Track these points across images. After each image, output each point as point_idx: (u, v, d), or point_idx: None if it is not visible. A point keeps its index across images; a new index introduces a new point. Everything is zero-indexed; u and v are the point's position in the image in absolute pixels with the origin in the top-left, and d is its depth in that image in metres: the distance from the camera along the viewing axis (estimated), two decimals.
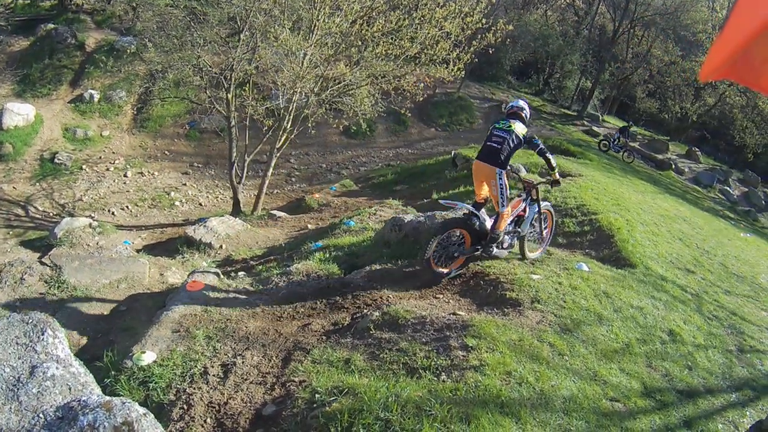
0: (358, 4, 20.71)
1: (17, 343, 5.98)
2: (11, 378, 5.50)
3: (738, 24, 1.51)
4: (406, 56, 20.97)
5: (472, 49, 20.63)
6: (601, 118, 45.97)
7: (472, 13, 20.20)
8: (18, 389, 5.36)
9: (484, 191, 10.27)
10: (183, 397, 7.15)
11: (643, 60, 47.75)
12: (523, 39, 43.95)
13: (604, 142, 35.25)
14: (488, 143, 10.02)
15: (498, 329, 7.43)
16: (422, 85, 22.64)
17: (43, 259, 14.31)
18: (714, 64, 1.60)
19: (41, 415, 4.93)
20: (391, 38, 20.52)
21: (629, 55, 47.55)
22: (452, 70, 20.78)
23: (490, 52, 23.81)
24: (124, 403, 4.82)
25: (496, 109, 38.83)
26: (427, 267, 9.66)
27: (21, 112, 31.69)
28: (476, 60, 21.44)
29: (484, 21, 20.50)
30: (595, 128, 41.79)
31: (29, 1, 47.15)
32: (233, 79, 23.83)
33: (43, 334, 6.11)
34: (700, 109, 48.05)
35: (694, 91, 47.67)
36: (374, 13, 21.09)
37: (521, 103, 10.77)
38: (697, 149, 44.20)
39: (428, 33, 20.22)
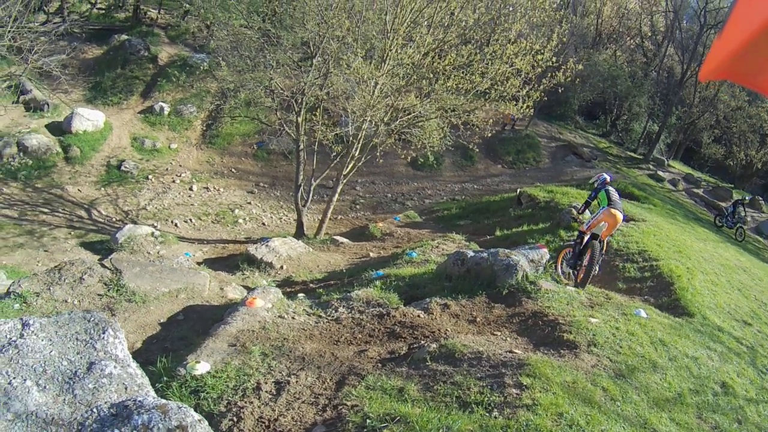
0: (431, 37, 20.83)
1: (77, 339, 6.19)
2: (68, 371, 5.68)
3: (738, 24, 1.54)
4: (477, 91, 20.95)
5: (541, 87, 20.54)
6: (666, 162, 45.16)
7: (542, 51, 20.14)
8: (74, 383, 5.53)
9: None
10: (233, 409, 7.24)
11: (710, 104, 46.65)
12: (592, 79, 43.42)
13: (718, 218, 34.19)
14: (617, 201, 13.60)
15: (553, 370, 7.41)
16: (491, 120, 22.62)
17: (103, 262, 14.55)
18: (714, 64, 1.65)
19: (95, 410, 5.00)
20: (462, 72, 20.53)
21: (696, 99, 46.37)
22: (521, 107, 20.72)
23: (560, 90, 23.71)
24: (180, 407, 4.91)
25: (562, 149, 38.46)
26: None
27: (91, 118, 32.46)
28: (545, 98, 21.30)
29: (554, 59, 20.42)
30: (660, 173, 40.89)
31: (104, 11, 48.03)
32: (304, 103, 24.02)
33: (104, 333, 6.31)
34: (765, 157, 47.12)
35: (760, 137, 46.70)
36: (446, 47, 21.19)
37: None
38: (761, 198, 43.08)
39: (499, 69, 20.16)
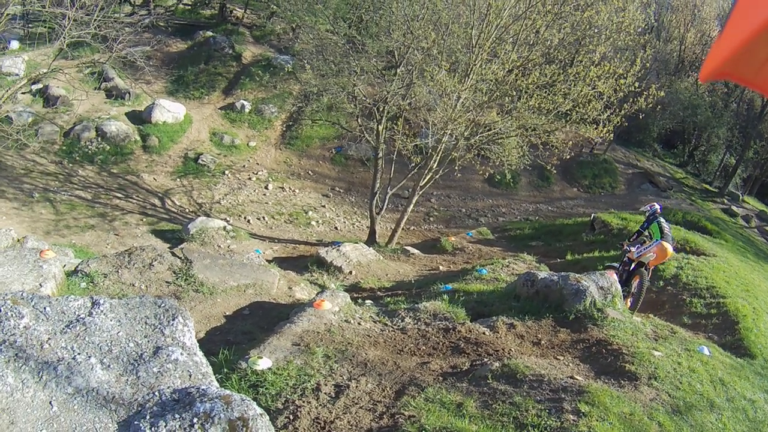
0: (516, 54, 20.78)
1: (146, 323, 6.34)
2: (134, 353, 5.82)
3: (738, 24, 1.54)
4: (558, 112, 20.86)
5: (622, 111, 20.34)
6: (741, 197, 44.12)
7: (625, 75, 19.89)
8: (138, 365, 5.65)
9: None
10: (291, 407, 7.34)
11: None
12: (672, 107, 42.50)
13: None
14: (669, 234, 14.25)
15: (612, 400, 7.40)
16: (571, 143, 22.46)
17: (174, 251, 14.97)
18: (714, 65, 1.65)
19: (156, 394, 5.16)
20: (545, 92, 20.44)
21: None
22: (601, 131, 20.56)
23: (640, 117, 23.49)
24: (243, 399, 5.01)
25: (639, 177, 37.84)
26: None
27: (171, 110, 33.31)
28: (626, 123, 21.07)
29: (636, 84, 20.21)
30: (734, 208, 39.59)
31: (190, 6, 48.85)
32: (386, 112, 24.15)
33: (173, 320, 6.45)
34: None
35: None
36: (530, 65, 21.12)
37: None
38: None
39: (581, 91, 20.06)
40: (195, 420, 4.65)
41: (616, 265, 15.40)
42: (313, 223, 28.64)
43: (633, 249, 14.45)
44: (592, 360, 9.19)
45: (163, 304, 6.71)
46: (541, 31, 20.71)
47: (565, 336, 10.05)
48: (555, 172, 29.42)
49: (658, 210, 14.92)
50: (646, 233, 14.84)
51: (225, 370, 8.20)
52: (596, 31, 20.95)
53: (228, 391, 5.13)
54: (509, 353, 9.24)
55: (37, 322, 5.87)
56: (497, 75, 20.59)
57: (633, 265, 14.51)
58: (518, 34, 20.68)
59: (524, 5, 20.26)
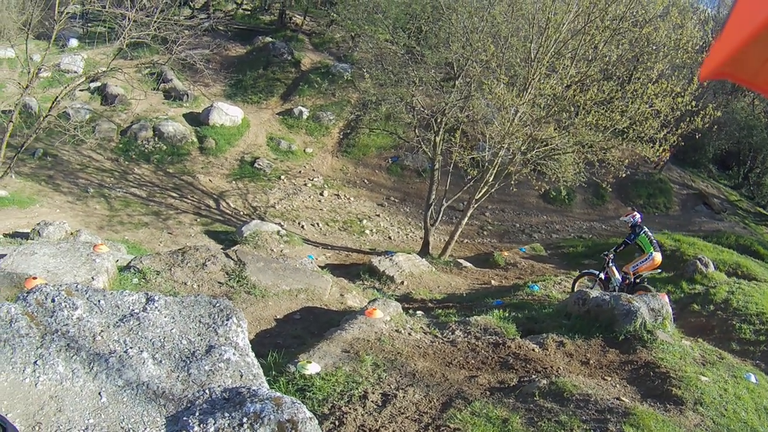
0: (574, 69, 20.72)
1: (200, 322, 6.49)
2: (186, 350, 5.96)
3: (738, 24, 1.53)
4: (615, 129, 20.75)
5: (679, 131, 20.21)
6: None
7: (683, 94, 19.71)
8: (190, 362, 5.78)
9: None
10: (337, 413, 7.40)
11: None
12: (729, 127, 41.49)
13: None
14: (656, 243, 15.31)
15: (657, 423, 7.33)
16: (627, 160, 22.26)
17: (228, 252, 15.08)
18: (714, 64, 1.63)
19: (207, 391, 5.26)
20: (603, 109, 20.32)
21: None
22: (657, 150, 20.38)
23: (696, 136, 23.25)
24: (293, 402, 5.06)
25: (693, 198, 37.06)
26: None
27: (229, 113, 33.79)
28: (682, 143, 20.85)
29: (693, 103, 20.01)
30: None
31: (249, 12, 49.48)
32: (443, 123, 24.19)
33: (227, 320, 6.58)
34: None
35: None
36: (588, 81, 21.03)
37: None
38: None
39: (639, 108, 19.88)
40: (245, 420, 4.71)
41: (594, 271, 16.51)
42: (367, 231, 28.73)
43: (631, 270, 15.20)
44: (639, 382, 9.13)
45: (218, 304, 6.86)
46: (599, 47, 20.62)
47: (614, 356, 10.01)
48: (610, 190, 29.26)
49: (639, 219, 15.38)
50: (636, 245, 15.37)
51: (273, 372, 8.28)
52: (654, 48, 20.77)
53: (279, 393, 5.19)
54: (557, 371, 9.23)
55: (90, 314, 6.03)
56: (555, 90, 20.50)
57: (633, 279, 15.25)
58: (576, 49, 20.61)
59: (583, 20, 20.19)
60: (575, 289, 15.85)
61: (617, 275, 15.59)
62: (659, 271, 16.17)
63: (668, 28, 20.14)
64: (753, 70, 1.54)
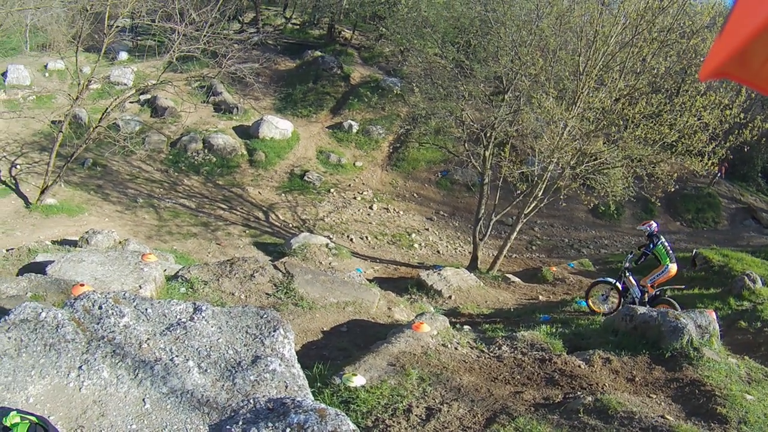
0: (623, 82, 20.62)
1: (247, 332, 6.52)
2: (232, 360, 5.99)
3: (738, 24, 1.52)
4: (664, 143, 20.57)
5: (728, 144, 19.95)
6: None
7: (731, 106, 19.48)
8: (236, 372, 5.81)
9: None
10: (380, 426, 7.41)
11: None
12: None
13: None
14: (673, 254, 15.31)
15: None
16: (675, 174, 22.07)
17: (276, 264, 15.20)
18: (714, 64, 1.62)
19: (251, 401, 5.23)
20: (651, 122, 20.16)
21: None
22: (706, 163, 20.14)
23: (745, 149, 22.96)
24: (338, 414, 5.01)
25: (742, 212, 36.51)
26: None
27: (279, 126, 34.20)
28: (731, 156, 20.56)
29: (741, 115, 19.77)
30: None
31: (298, 26, 49.98)
32: (493, 137, 24.19)
33: (274, 331, 6.61)
34: None
35: None
36: (637, 94, 20.89)
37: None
38: None
39: (687, 121, 19.71)
40: (288, 430, 4.69)
41: (610, 279, 16.52)
42: (416, 245, 28.77)
43: (650, 284, 15.30)
44: (684, 400, 9.01)
45: (265, 315, 6.89)
46: (647, 59, 20.51)
47: (660, 374, 9.89)
48: (659, 204, 28.93)
49: (656, 228, 15.46)
50: (653, 255, 15.31)
51: (318, 384, 8.30)
52: (702, 59, 20.61)
53: (323, 405, 5.13)
54: (603, 388, 9.16)
55: (137, 322, 6.13)
56: (604, 103, 20.42)
57: (654, 293, 15.35)
58: (625, 62, 20.52)
59: (630, 33, 20.12)
60: (589, 299, 16.09)
61: (636, 287, 15.59)
62: (683, 287, 16.65)
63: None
64: (754, 70, 1.54)
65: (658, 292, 15.38)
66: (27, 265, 13.61)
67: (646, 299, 15.18)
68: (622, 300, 15.53)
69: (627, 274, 15.79)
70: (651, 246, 15.18)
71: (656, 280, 15.23)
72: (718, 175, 38.19)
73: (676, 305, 14.49)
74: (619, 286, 15.72)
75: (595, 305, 15.92)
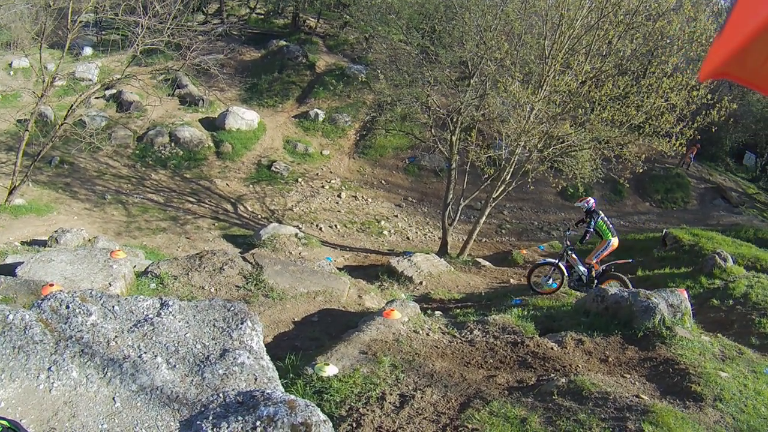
0: (589, 65, 20.66)
1: (214, 326, 6.43)
2: (200, 354, 5.91)
3: (738, 24, 1.52)
4: (631, 124, 20.68)
5: (695, 124, 20.04)
6: None
7: (698, 87, 19.59)
8: (204, 366, 5.74)
9: None
10: (354, 415, 7.37)
11: None
12: (745, 119, 41.43)
13: None
14: (613, 228, 15.46)
15: (676, 421, 7.25)
16: (644, 156, 22.20)
17: (245, 256, 15.15)
18: (714, 64, 1.62)
19: (221, 395, 5.09)
20: (618, 104, 20.24)
21: None
22: (674, 144, 20.24)
23: (712, 130, 23.14)
24: (308, 405, 4.92)
25: (711, 192, 37.12)
26: None
27: (245, 117, 34.19)
28: (699, 137, 20.68)
29: (709, 96, 19.89)
30: None
31: (263, 16, 49.88)
32: (459, 122, 24.20)
33: (242, 324, 6.51)
34: None
35: None
36: (603, 76, 20.95)
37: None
38: None
39: (654, 103, 19.83)
40: (258, 423, 4.62)
41: (552, 260, 16.52)
42: (385, 232, 28.78)
43: (595, 261, 15.42)
44: (658, 379, 9.05)
45: (232, 308, 6.79)
46: (613, 42, 20.60)
47: (633, 354, 9.92)
48: (628, 185, 29.07)
49: (594, 204, 15.51)
50: (594, 232, 15.43)
51: (291, 375, 8.25)
52: (668, 41, 20.69)
53: (293, 396, 5.05)
54: (576, 369, 9.18)
55: (105, 320, 6.00)
56: (570, 86, 20.49)
57: (601, 269, 15.51)
58: (591, 45, 20.61)
59: (596, 15, 20.20)
60: (531, 281, 16.21)
61: (580, 264, 15.79)
62: (630, 261, 16.74)
63: (682, 21, 20.07)
64: (753, 70, 1.54)
65: (605, 268, 15.56)
66: None
67: (594, 276, 15.45)
68: (567, 279, 15.80)
69: (570, 252, 16.02)
70: (592, 223, 15.26)
71: (600, 255, 15.43)
72: (692, 157, 38.53)
73: (626, 279, 15.05)
74: (562, 266, 15.86)
75: (538, 287, 16.03)
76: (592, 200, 15.61)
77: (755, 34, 1.43)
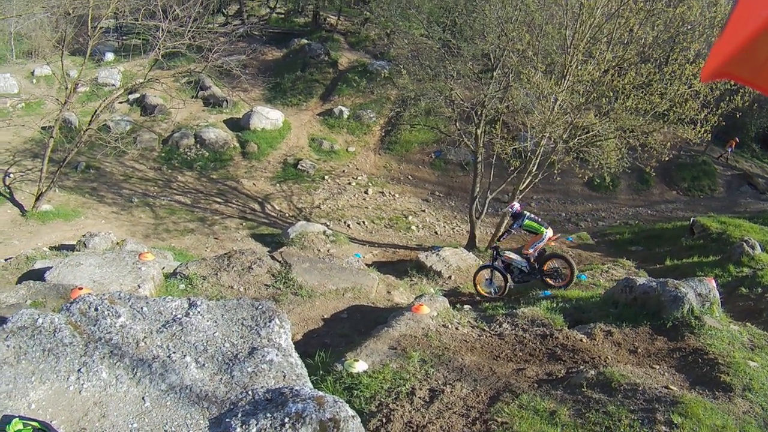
0: (611, 53, 20.55)
1: (243, 324, 6.53)
2: (229, 353, 6.00)
3: (739, 24, 1.53)
4: (655, 112, 20.57)
5: (719, 111, 19.92)
6: None
7: None
8: (233, 364, 5.81)
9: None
10: (384, 410, 7.40)
11: None
12: None
13: None
14: (544, 222, 16.01)
15: (705, 411, 7.25)
16: (669, 144, 22.08)
17: (274, 254, 15.26)
18: (715, 65, 1.62)
19: (250, 393, 5.26)
20: (642, 92, 20.12)
21: None
22: (699, 131, 20.14)
23: (737, 116, 22.97)
24: (336, 401, 5.02)
25: (738, 179, 36.91)
26: None
27: (270, 117, 34.26)
28: (723, 123, 20.52)
29: (732, 81, 19.69)
30: None
31: (283, 15, 50.01)
32: (484, 115, 24.12)
33: (270, 322, 6.60)
34: None
35: None
36: (626, 65, 20.84)
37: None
38: None
39: (678, 90, 19.75)
40: (286, 419, 4.68)
41: (488, 264, 16.80)
42: (413, 227, 28.79)
43: (531, 251, 15.93)
44: (687, 369, 9.00)
45: (260, 306, 6.89)
46: (634, 30, 20.48)
47: (662, 344, 9.86)
48: (654, 174, 28.87)
49: (519, 208, 16.12)
50: (526, 231, 16.23)
51: (321, 372, 8.32)
52: (689, 27, 20.53)
53: (321, 393, 5.16)
54: (605, 361, 9.15)
55: (133, 321, 6.12)
56: (593, 76, 20.39)
57: (536, 256, 15.96)
58: (612, 33, 20.48)
59: (617, 3, 20.05)
60: (476, 287, 16.44)
61: (517, 259, 16.19)
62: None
63: (702, 6, 19.96)
64: (754, 70, 1.54)
65: (540, 251, 16.05)
66: (26, 273, 13.62)
67: (534, 262, 15.90)
68: (509, 276, 16.02)
69: (501, 252, 16.41)
70: (516, 225, 15.96)
71: (537, 246, 15.88)
72: (730, 150, 38.22)
73: (566, 255, 16.62)
74: (497, 267, 16.17)
75: (484, 290, 16.18)
76: (516, 204, 16.32)
77: (756, 33, 1.45)
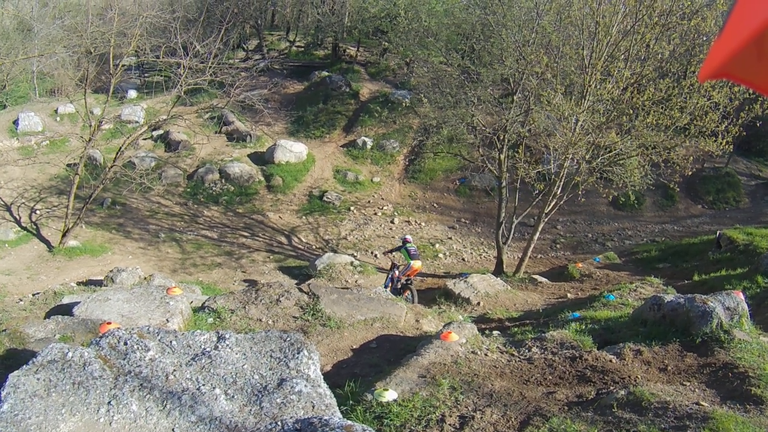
0: (629, 71, 20.54)
1: (271, 356, 6.55)
2: (258, 385, 6.02)
3: (738, 24, 1.51)
4: (676, 127, 20.54)
5: (740, 121, 19.79)
6: None
7: None
8: (262, 396, 5.83)
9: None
10: None
11: None
12: None
13: None
14: (416, 254, 20.70)
15: (736, 426, 7.12)
16: (691, 158, 21.98)
17: (301, 286, 15.23)
18: (714, 65, 1.60)
19: (279, 423, 5.17)
20: (661, 107, 20.07)
21: None
22: (721, 143, 19.99)
23: (757, 124, 22.82)
24: (365, 429, 4.97)
25: (762, 188, 36.40)
26: None
27: (293, 150, 34.51)
28: (744, 133, 20.40)
29: (750, 90, 19.58)
30: None
31: (303, 48, 50.42)
32: (506, 140, 24.15)
33: (298, 353, 6.63)
34: None
35: None
36: (644, 81, 20.81)
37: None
38: None
39: (697, 103, 19.73)
40: None
41: (390, 272, 21.50)
42: (440, 255, 28.81)
43: (398, 272, 20.67)
44: (718, 384, 8.89)
45: (288, 338, 6.92)
46: (651, 45, 20.47)
47: (692, 360, 9.78)
48: (678, 189, 28.76)
49: (407, 239, 21.11)
50: (396, 256, 21.96)
51: (351, 402, 8.26)
52: (705, 39, 20.52)
53: (350, 422, 5.10)
54: (635, 380, 9.08)
55: (162, 354, 6.18)
56: (613, 94, 20.39)
57: (404, 280, 20.23)
58: (629, 50, 20.49)
59: (631, 20, 20.07)
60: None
61: (388, 277, 21.16)
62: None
63: (715, 17, 19.88)
64: (754, 70, 1.53)
65: (405, 281, 20.12)
66: (54, 308, 13.77)
67: (399, 286, 20.21)
68: (391, 285, 20.56)
69: (395, 269, 21.14)
70: (397, 249, 21.54)
71: (405, 272, 20.34)
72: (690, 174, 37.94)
73: (412, 288, 19.73)
74: (392, 275, 21.10)
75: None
76: (408, 236, 21.75)
77: (756, 33, 1.43)
